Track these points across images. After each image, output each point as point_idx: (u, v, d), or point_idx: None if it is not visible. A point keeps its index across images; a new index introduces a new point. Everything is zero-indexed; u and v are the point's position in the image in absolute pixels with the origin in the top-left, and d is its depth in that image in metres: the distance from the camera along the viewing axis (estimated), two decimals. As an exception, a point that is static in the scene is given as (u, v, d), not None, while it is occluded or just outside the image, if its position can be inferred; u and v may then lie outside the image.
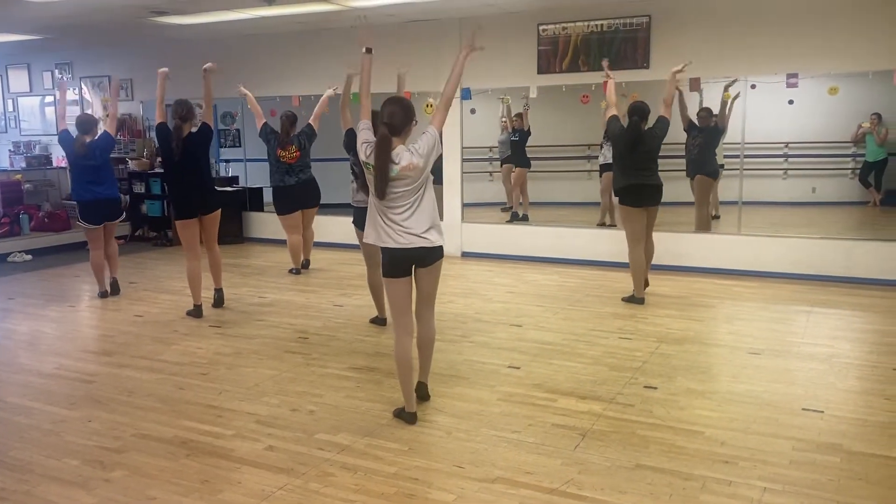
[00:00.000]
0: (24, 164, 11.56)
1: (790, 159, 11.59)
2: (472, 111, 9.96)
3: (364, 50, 4.05)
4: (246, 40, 10.02)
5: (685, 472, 3.32)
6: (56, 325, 6.23)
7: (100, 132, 7.12)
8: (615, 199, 6.83)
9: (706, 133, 8.40)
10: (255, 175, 10.97)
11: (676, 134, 8.05)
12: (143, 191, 10.70)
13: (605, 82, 6.54)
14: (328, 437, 3.78)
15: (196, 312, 6.32)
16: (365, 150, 3.79)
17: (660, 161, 6.57)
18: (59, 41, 10.50)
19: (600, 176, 9.86)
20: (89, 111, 11.66)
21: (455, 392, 4.40)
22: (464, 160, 9.20)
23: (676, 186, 8.84)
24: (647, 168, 6.37)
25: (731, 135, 8.47)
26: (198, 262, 6.32)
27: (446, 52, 8.82)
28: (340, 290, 7.30)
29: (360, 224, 5.45)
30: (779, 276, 7.48)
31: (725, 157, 9.43)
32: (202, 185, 6.32)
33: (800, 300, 6.59)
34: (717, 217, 9.62)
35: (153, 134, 11.30)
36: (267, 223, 10.44)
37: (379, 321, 5.94)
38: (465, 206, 9.20)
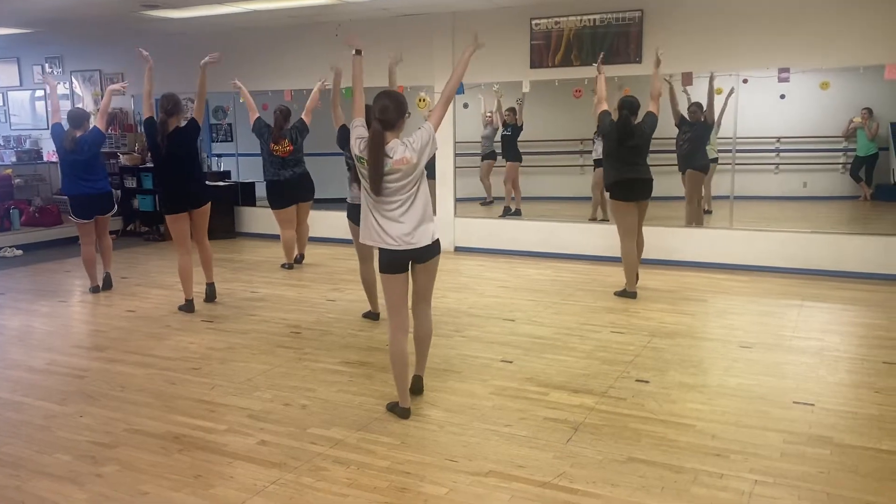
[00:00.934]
0: (14, 159, 11.49)
1: (782, 154, 11.63)
2: (465, 105, 9.96)
3: (354, 52, 4.02)
4: (238, 34, 9.98)
5: (677, 465, 3.34)
6: (47, 320, 6.20)
7: (87, 127, 7.08)
8: (606, 194, 6.85)
9: (696, 128, 8.41)
10: (247, 170, 10.94)
11: (668, 128, 8.08)
12: (134, 185, 10.66)
13: (597, 77, 6.54)
14: (321, 431, 3.78)
15: (188, 307, 6.30)
16: (359, 146, 3.78)
17: (652, 155, 6.59)
18: (50, 35, 10.43)
19: (593, 171, 9.88)
20: (80, 105, 11.61)
21: (447, 386, 4.41)
22: (456, 155, 9.19)
23: (668, 181, 8.88)
24: (636, 162, 6.38)
25: (724, 129, 8.51)
26: (189, 257, 6.30)
27: (439, 47, 8.82)
28: (333, 284, 7.30)
29: (354, 219, 5.44)
30: (770, 270, 7.51)
31: (718, 151, 9.46)
32: (190, 180, 6.27)
33: (791, 294, 6.62)
34: (709, 212, 9.65)
35: (142, 128, 11.28)
36: (259, 218, 10.42)
37: (372, 315, 5.94)
38: (457, 201, 9.20)
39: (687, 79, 7.85)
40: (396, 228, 3.79)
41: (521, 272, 7.77)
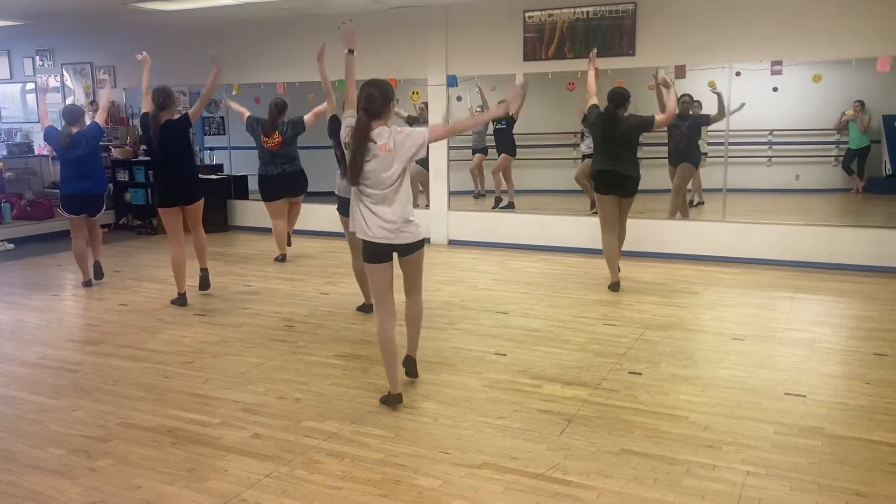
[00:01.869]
0: (5, 153, 11.43)
1: (774, 147, 11.67)
2: (458, 98, 9.94)
3: (347, 51, 4.03)
4: (230, 27, 9.93)
5: (669, 457, 3.36)
6: (39, 314, 6.18)
7: (87, 123, 7.06)
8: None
9: (690, 121, 8.41)
10: (240, 163, 10.91)
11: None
12: (126, 179, 10.61)
13: (589, 72, 6.52)
14: (314, 424, 3.78)
15: (180, 301, 6.29)
16: (348, 133, 3.81)
17: (646, 148, 6.60)
18: (40, 27, 10.35)
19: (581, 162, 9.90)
20: (71, 99, 11.55)
21: (441, 379, 4.41)
22: (450, 148, 9.18)
23: (659, 174, 8.90)
24: (619, 156, 6.31)
25: (716, 123, 8.51)
26: (182, 250, 6.28)
27: (433, 40, 8.80)
28: (326, 278, 7.29)
29: (344, 212, 5.44)
30: (762, 263, 7.54)
31: (710, 144, 9.48)
32: (182, 175, 6.24)
33: (783, 286, 6.65)
34: (701, 203, 9.68)
35: (137, 122, 11.21)
36: (252, 211, 10.40)
37: (366, 308, 5.94)
38: (451, 194, 9.19)
39: (680, 71, 7.85)
40: (377, 220, 3.82)
41: (514, 265, 7.78)
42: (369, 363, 4.71)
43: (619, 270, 6.68)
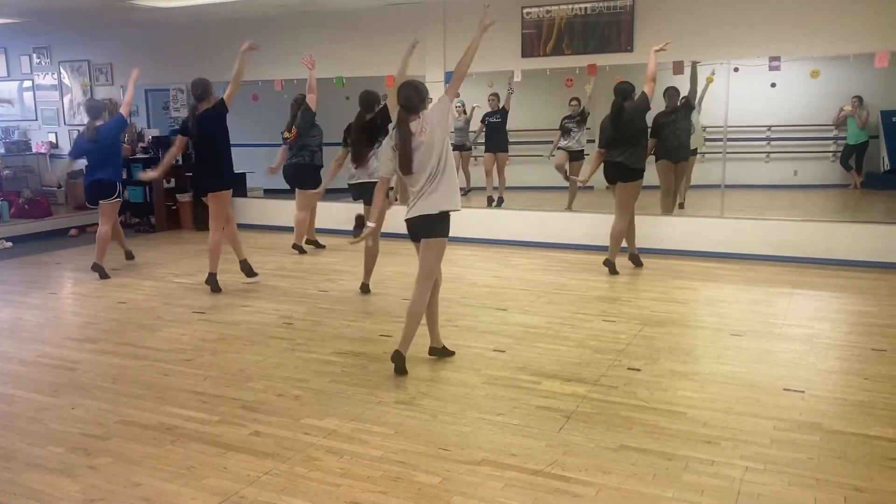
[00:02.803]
0: (2, 150, 11.42)
1: (772, 142, 11.67)
2: (457, 95, 9.92)
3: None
4: (227, 24, 9.91)
5: (668, 453, 3.36)
6: (38, 312, 6.18)
7: (105, 117, 7.44)
8: None
9: (683, 111, 8.23)
10: (239, 160, 10.86)
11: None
12: (124, 176, 10.57)
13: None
14: (314, 421, 3.79)
15: (208, 279, 6.62)
16: (393, 137, 4.31)
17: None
18: (37, 24, 10.34)
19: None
20: (69, 97, 11.55)
21: (440, 375, 4.42)
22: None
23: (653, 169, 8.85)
24: (617, 147, 6.73)
25: (714, 118, 8.51)
26: (215, 234, 6.59)
27: (430, 36, 8.78)
28: (325, 275, 7.29)
29: (365, 199, 5.91)
30: (760, 259, 7.54)
31: (708, 140, 9.46)
32: (208, 167, 6.50)
33: (781, 282, 6.65)
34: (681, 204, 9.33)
35: (134, 119, 11.21)
36: (252, 208, 10.39)
37: (364, 289, 6.41)
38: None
39: (678, 67, 7.86)
40: (419, 201, 4.29)
41: (512, 262, 7.78)
42: (368, 360, 4.71)
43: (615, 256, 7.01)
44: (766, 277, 6.86)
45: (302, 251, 8.33)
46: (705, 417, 3.74)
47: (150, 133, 10.91)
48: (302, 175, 8.11)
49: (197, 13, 9.29)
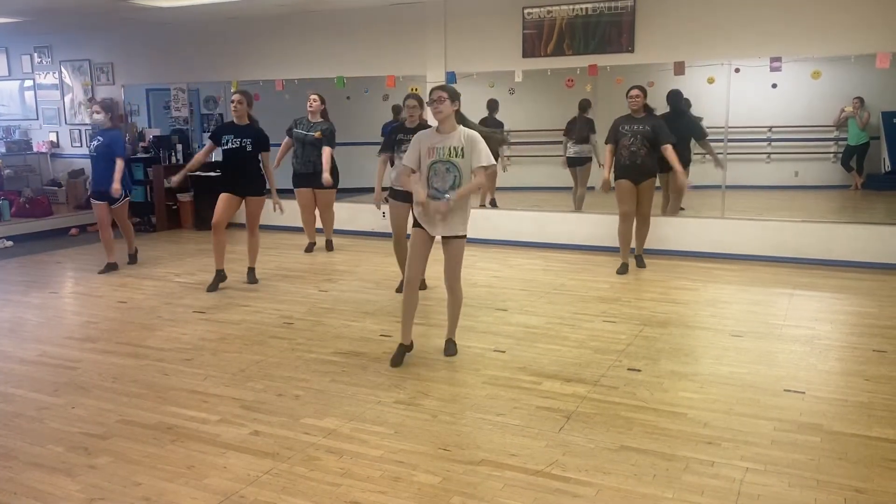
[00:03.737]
0: (3, 150, 11.42)
1: (773, 143, 11.66)
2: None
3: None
4: (228, 24, 9.91)
5: (668, 453, 3.36)
6: (38, 311, 6.18)
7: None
8: None
9: (686, 120, 8.17)
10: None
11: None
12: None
13: None
14: (314, 421, 3.79)
15: (216, 277, 6.77)
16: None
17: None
18: (38, 24, 10.34)
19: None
20: (69, 96, 11.54)
21: (440, 375, 4.41)
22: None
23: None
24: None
25: (716, 119, 8.48)
26: (217, 236, 6.73)
27: (431, 36, 8.78)
28: (325, 275, 7.29)
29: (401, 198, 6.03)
30: (761, 259, 7.54)
31: (709, 141, 9.43)
32: (252, 168, 6.73)
33: (782, 283, 6.65)
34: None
35: (135, 119, 11.22)
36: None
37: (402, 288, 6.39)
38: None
39: (679, 68, 7.85)
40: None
41: (512, 262, 7.78)
42: (368, 360, 4.71)
43: (635, 255, 7.24)
44: (767, 278, 6.86)
45: (330, 247, 8.57)
46: (706, 418, 3.74)
47: (151, 133, 10.93)
48: (319, 175, 8.08)
49: (197, 13, 9.28)
